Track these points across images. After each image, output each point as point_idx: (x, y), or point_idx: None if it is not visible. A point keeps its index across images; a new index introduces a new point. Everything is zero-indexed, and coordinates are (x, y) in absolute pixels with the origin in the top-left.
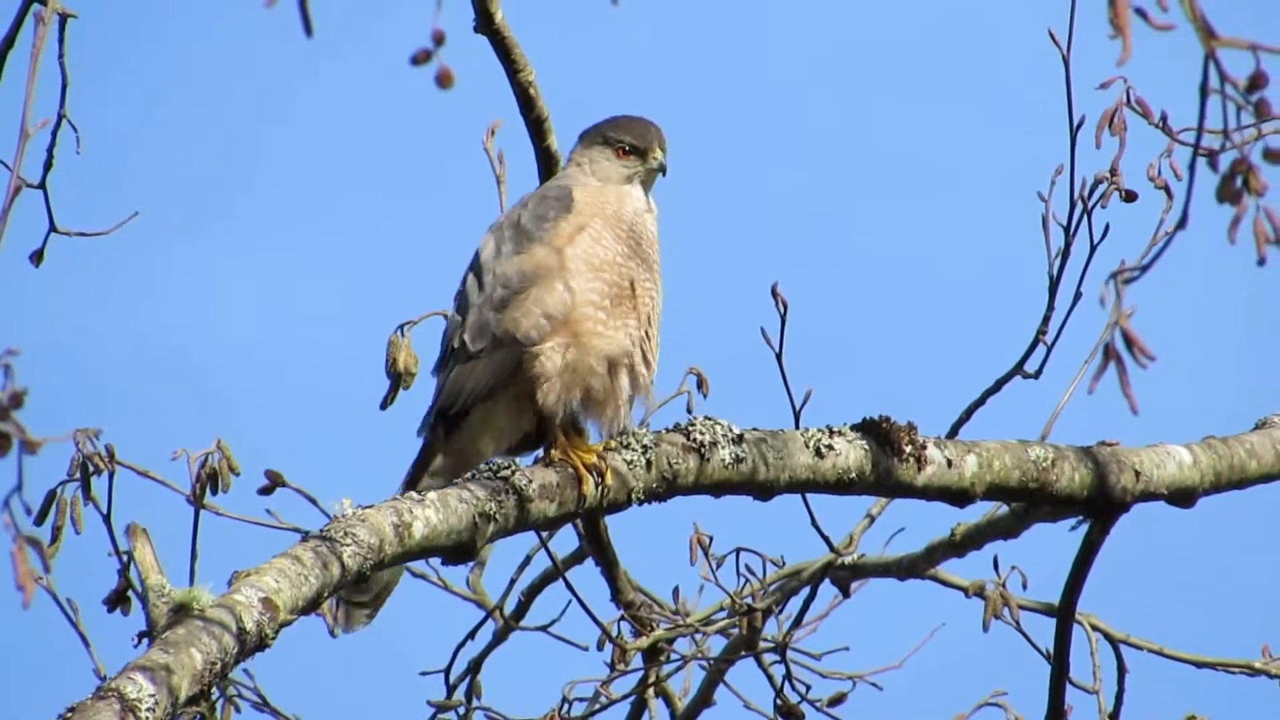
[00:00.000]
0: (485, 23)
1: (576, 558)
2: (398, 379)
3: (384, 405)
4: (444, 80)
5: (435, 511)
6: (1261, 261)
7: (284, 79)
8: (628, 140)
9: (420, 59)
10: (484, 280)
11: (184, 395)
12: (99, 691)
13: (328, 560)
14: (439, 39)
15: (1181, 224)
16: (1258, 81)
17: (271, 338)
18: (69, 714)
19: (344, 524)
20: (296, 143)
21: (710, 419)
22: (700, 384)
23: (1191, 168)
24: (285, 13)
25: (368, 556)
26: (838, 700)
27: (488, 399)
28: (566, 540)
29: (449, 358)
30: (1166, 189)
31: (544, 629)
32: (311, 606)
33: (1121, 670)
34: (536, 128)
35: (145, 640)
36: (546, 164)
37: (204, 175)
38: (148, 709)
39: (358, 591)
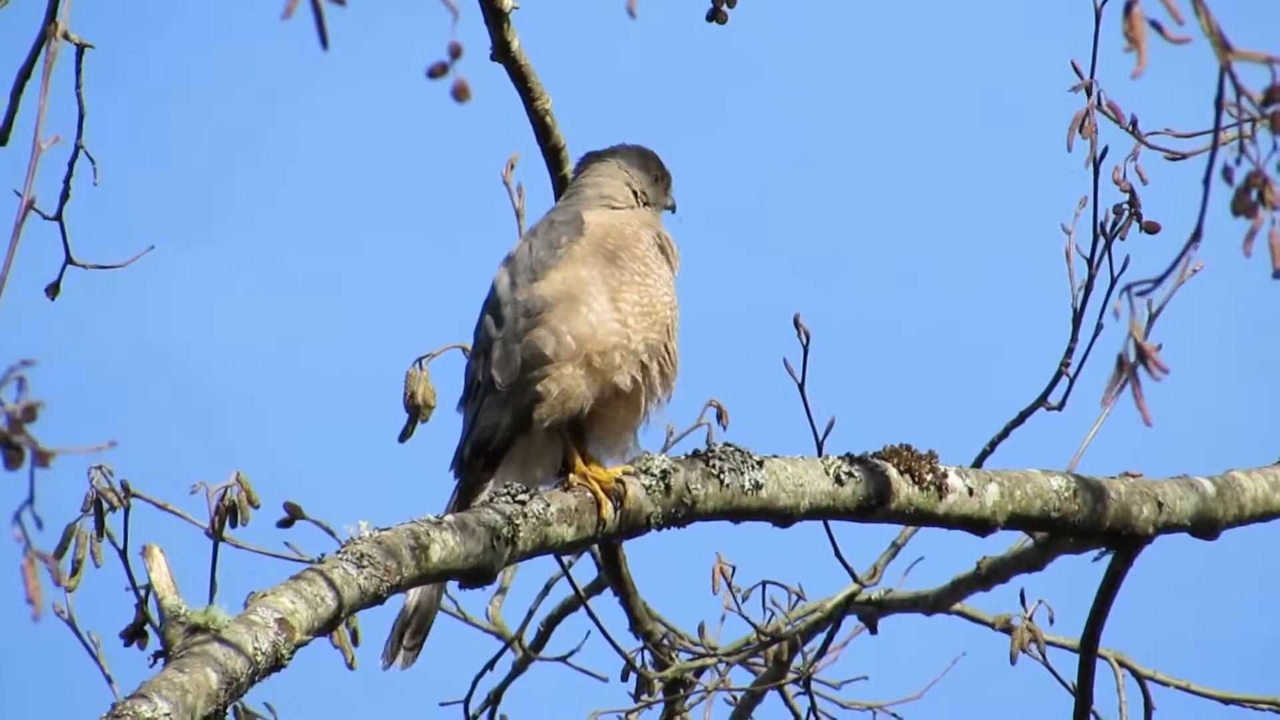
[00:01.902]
0: (501, 51)
1: (595, 587)
2: (416, 411)
3: (403, 438)
4: (461, 94)
5: (453, 534)
6: (1277, 274)
7: (287, 87)
8: (655, 169)
9: (437, 72)
10: (503, 314)
11: (185, 406)
12: (114, 711)
13: (344, 582)
14: (456, 52)
15: (1196, 237)
16: (1274, 94)
17: (272, 349)
18: None
19: (360, 546)
20: (297, 152)
21: (730, 445)
22: (720, 416)
23: (1206, 181)
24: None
25: (384, 579)
26: None
27: (524, 431)
28: (585, 570)
29: (475, 393)
30: (1131, 192)
31: (563, 659)
32: (328, 628)
33: (1148, 707)
34: (553, 156)
35: (161, 660)
36: (563, 192)
37: (204, 185)
38: None
39: (414, 633)
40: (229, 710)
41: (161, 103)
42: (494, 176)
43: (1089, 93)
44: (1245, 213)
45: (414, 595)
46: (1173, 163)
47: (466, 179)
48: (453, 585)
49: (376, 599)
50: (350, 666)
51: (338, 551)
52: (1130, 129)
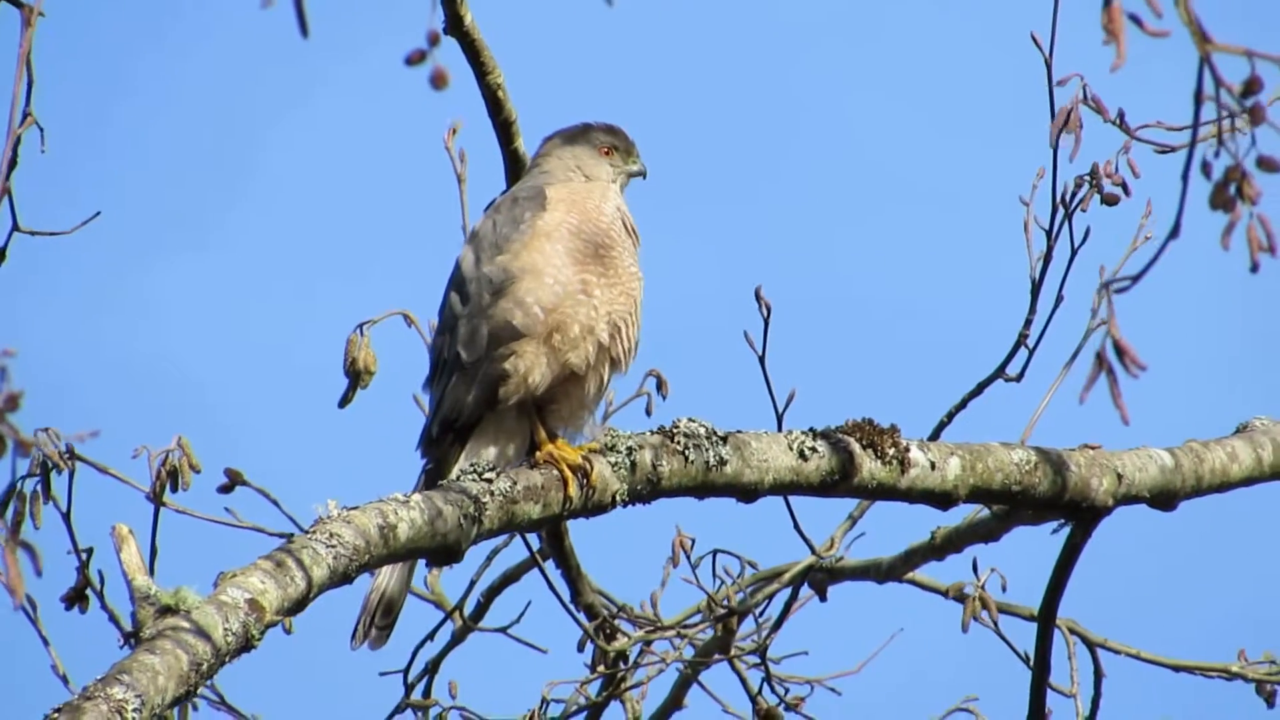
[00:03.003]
0: (455, 25)
1: (535, 561)
2: (356, 378)
3: (342, 404)
4: (438, 81)
5: (420, 513)
6: (1255, 268)
7: (280, 93)
8: (611, 141)
9: (414, 59)
10: (468, 290)
11: (179, 408)
12: (86, 692)
13: (313, 561)
14: (434, 40)
15: (1174, 233)
16: (1253, 87)
17: (266, 350)
18: (55, 715)
19: (329, 525)
20: (289, 158)
21: (694, 420)
22: (660, 386)
23: (1185, 175)
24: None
25: (353, 558)
26: (794, 706)
27: (491, 408)
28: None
29: (441, 371)
30: (1124, 185)
31: (503, 630)
32: (297, 608)
33: (1098, 674)
34: (505, 130)
35: (131, 641)
36: (514, 166)
37: (197, 188)
38: (134, 709)
39: (384, 617)
40: (199, 689)
41: (165, 109)
42: (442, 148)
43: (1048, 68)
44: (1224, 207)
45: (384, 576)
46: (1162, 155)
47: (418, 153)
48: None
49: (346, 578)
50: (287, 631)
51: (307, 531)
52: (1117, 123)
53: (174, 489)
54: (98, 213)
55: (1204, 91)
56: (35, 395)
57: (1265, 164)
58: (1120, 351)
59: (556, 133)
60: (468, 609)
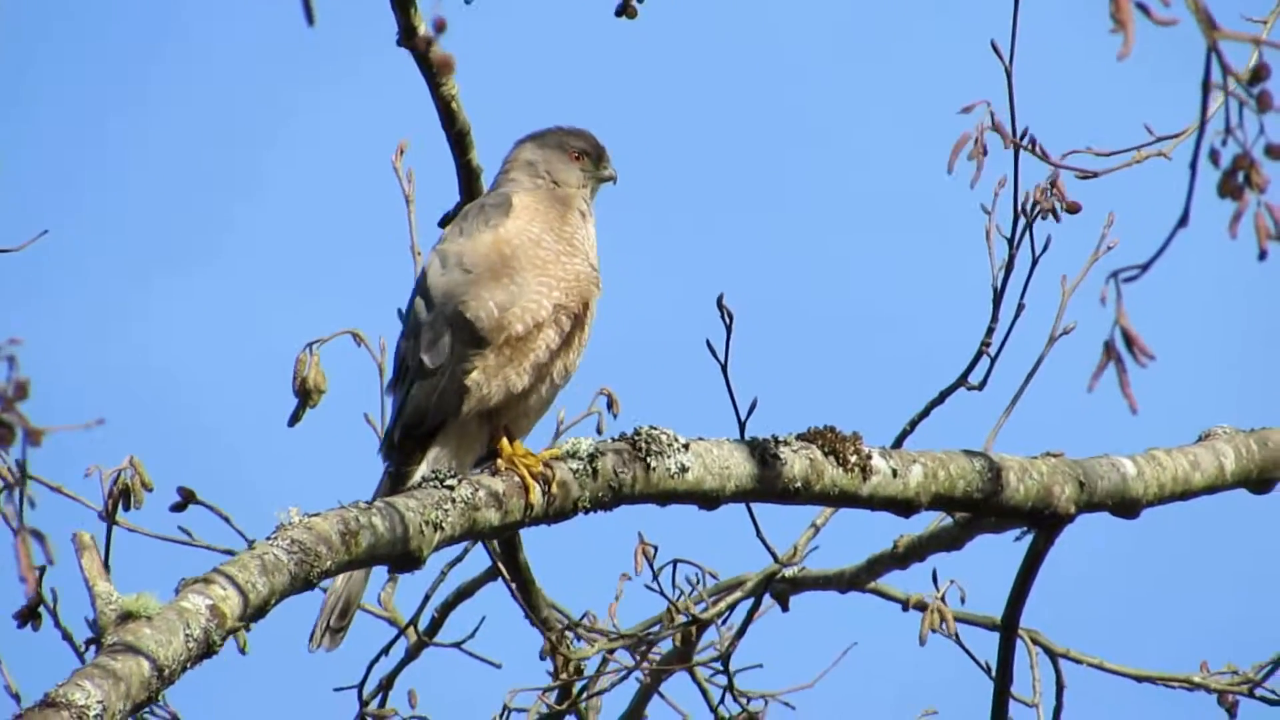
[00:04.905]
0: (408, 36)
1: (490, 575)
2: (306, 397)
3: (292, 422)
4: (442, 69)
5: (382, 520)
6: (1263, 256)
7: (279, 109)
8: (582, 146)
9: (420, 46)
10: (432, 297)
11: (175, 428)
12: (47, 699)
13: (275, 568)
14: (440, 26)
15: (1183, 221)
16: (1260, 74)
17: (265, 368)
18: None
19: (291, 531)
20: (295, 177)
21: (656, 428)
22: (611, 404)
23: (1193, 164)
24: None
25: (315, 565)
26: (754, 718)
27: (454, 415)
28: (479, 556)
29: (403, 376)
30: (1053, 211)
31: (458, 645)
32: (259, 614)
33: (1060, 684)
34: (459, 141)
35: (94, 647)
36: (468, 178)
37: (195, 209)
38: (95, 716)
39: (340, 619)
40: (161, 696)
41: (166, 126)
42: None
43: (1009, 76)
44: (1232, 195)
45: (343, 577)
46: (1084, 181)
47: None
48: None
49: (307, 584)
50: (242, 651)
51: (268, 537)
52: (1029, 148)
53: (125, 508)
54: (44, 231)
55: (1211, 79)
56: (34, 410)
57: (1273, 152)
58: (1129, 340)
59: (528, 136)
60: (422, 624)
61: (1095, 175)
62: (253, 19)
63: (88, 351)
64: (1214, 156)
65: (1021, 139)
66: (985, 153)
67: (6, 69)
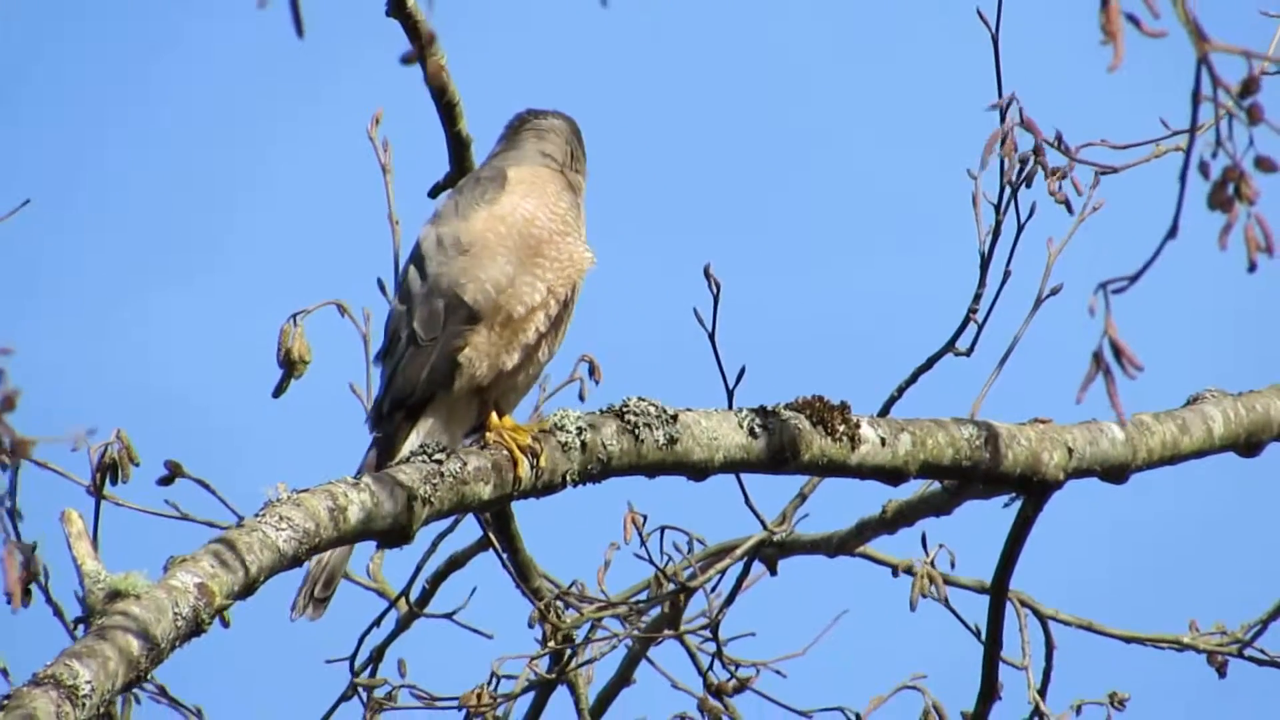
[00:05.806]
0: (397, 7)
1: (481, 545)
2: (290, 368)
3: (276, 394)
4: (433, 78)
5: (370, 495)
6: (1253, 268)
7: (279, 118)
8: (571, 131)
9: (410, 60)
10: (427, 268)
11: (185, 435)
12: (35, 678)
13: (263, 545)
14: (429, 39)
15: (1172, 233)
16: (1250, 87)
17: (262, 373)
18: (5, 701)
19: (279, 508)
20: (294, 185)
21: (644, 400)
22: (593, 370)
23: (1183, 176)
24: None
25: (303, 541)
26: (740, 689)
27: (445, 388)
28: (470, 526)
29: (394, 346)
30: (1067, 204)
31: (449, 616)
32: (247, 591)
33: (1050, 646)
34: (448, 112)
35: (82, 626)
36: (458, 148)
37: (197, 217)
38: (85, 695)
39: (324, 589)
40: (150, 674)
41: (164, 137)
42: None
43: (995, 45)
44: (1222, 207)
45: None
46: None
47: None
48: None
49: (296, 561)
50: (225, 625)
51: (257, 514)
52: (1056, 145)
53: (114, 481)
54: (27, 200)
55: (1201, 91)
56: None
57: (1263, 164)
58: (1117, 351)
59: (528, 110)
60: (413, 595)
61: (1115, 170)
62: (252, 23)
63: (82, 350)
64: (1204, 168)
65: (1042, 136)
66: (1016, 149)
67: (7, 69)
